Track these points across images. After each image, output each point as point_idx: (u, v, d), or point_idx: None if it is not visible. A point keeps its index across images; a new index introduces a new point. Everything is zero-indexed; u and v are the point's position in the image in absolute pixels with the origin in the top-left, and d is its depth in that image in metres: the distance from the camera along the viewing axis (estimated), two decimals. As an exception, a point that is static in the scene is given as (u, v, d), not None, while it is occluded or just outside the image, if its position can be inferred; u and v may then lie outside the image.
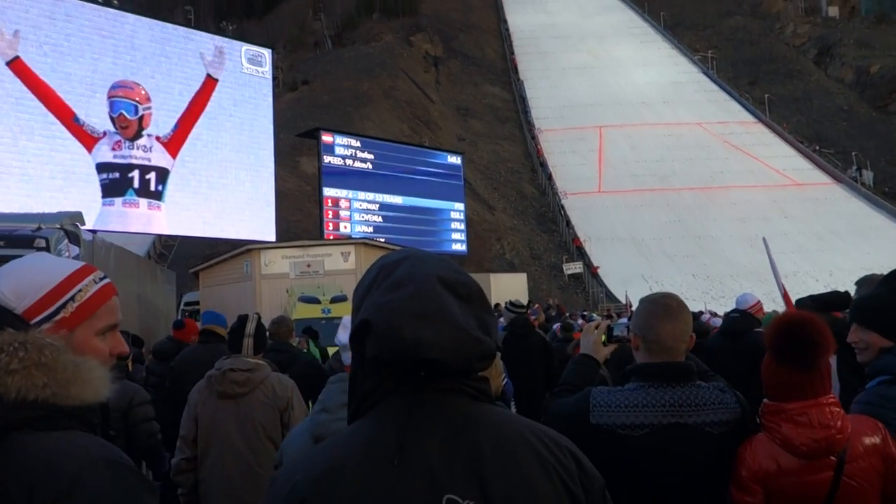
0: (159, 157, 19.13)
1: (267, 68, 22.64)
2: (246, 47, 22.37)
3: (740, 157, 44.99)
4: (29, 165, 16.81)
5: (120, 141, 18.43)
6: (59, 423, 1.16)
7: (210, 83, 20.54)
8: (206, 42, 21.35)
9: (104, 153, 18.11)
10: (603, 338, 2.64)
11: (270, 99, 22.74)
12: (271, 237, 20.85)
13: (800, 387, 2.08)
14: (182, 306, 18.64)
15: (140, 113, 18.91)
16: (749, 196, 40.72)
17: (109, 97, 18.48)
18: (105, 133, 18.22)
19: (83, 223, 11.76)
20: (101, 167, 18.02)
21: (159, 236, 27.91)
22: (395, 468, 1.04)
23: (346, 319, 2.42)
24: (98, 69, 18.39)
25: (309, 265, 16.56)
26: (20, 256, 1.41)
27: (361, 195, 23.44)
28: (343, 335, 2.68)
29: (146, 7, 72.32)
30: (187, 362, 5.50)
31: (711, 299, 26.80)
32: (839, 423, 2.04)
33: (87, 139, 17.91)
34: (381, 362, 1.08)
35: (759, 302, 6.12)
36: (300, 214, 31.38)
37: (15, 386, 1.13)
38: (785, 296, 6.05)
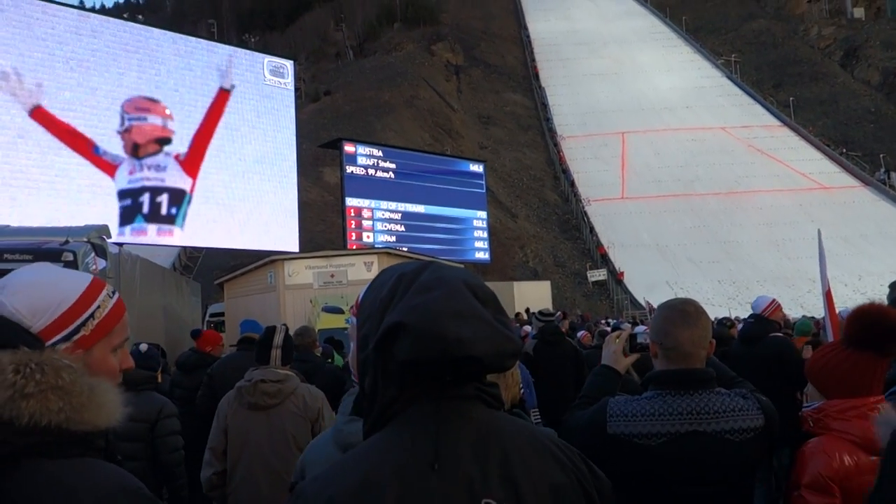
0: (175, 178, 18.93)
1: (289, 79, 22.81)
2: (268, 59, 22.56)
3: (765, 161, 44.55)
4: (57, 180, 17.04)
5: (134, 165, 18.39)
6: (71, 450, 1.12)
7: (223, 95, 20.52)
8: (229, 55, 21.56)
9: (122, 179, 18.07)
10: (625, 346, 2.58)
11: (293, 110, 22.90)
12: (295, 248, 20.94)
13: (872, 378, 2.14)
14: (207, 317, 18.76)
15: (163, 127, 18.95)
16: (775, 200, 40.28)
17: (126, 111, 18.44)
18: (125, 158, 18.25)
19: (110, 236, 11.90)
20: (120, 194, 17.98)
21: (184, 248, 28.18)
22: (434, 476, 1.05)
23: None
24: (123, 83, 18.63)
25: (332, 275, 16.60)
26: None
27: (384, 204, 23.50)
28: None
29: (170, 22, 73.51)
30: (222, 369, 5.52)
31: (738, 305, 26.47)
32: None
33: (108, 168, 17.90)
34: (413, 365, 1.07)
35: (773, 302, 5.98)
36: (323, 225, 31.53)
37: (29, 410, 1.08)
38: (828, 296, 5.78)
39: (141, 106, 18.72)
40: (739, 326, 10.64)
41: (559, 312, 12.47)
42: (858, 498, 2.03)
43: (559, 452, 1.15)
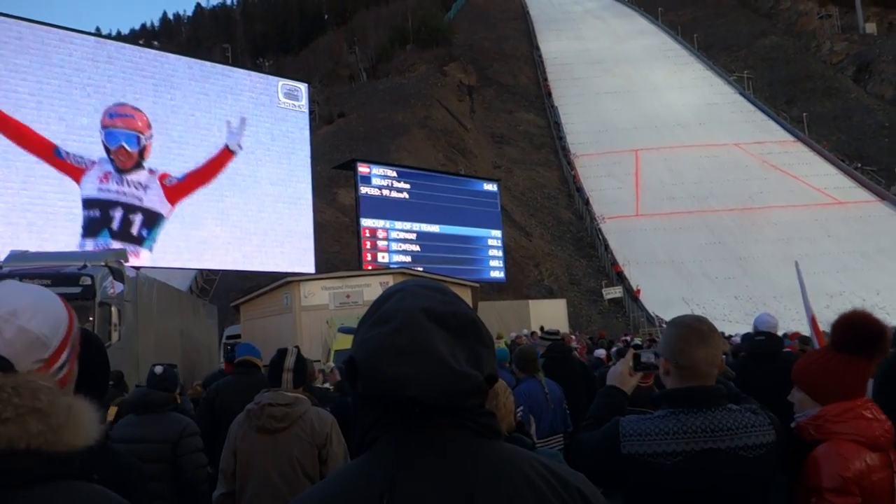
0: (154, 200, 18.41)
1: (303, 102, 23.04)
2: (282, 82, 22.81)
3: (780, 176, 44.36)
4: (74, 205, 17.21)
5: (109, 173, 17.74)
6: (52, 473, 1.07)
7: (226, 154, 20.28)
8: (244, 79, 21.81)
9: (90, 187, 17.47)
10: (630, 366, 2.58)
11: (307, 132, 23.10)
12: (310, 269, 21.02)
13: (862, 380, 2.22)
14: (224, 339, 18.85)
15: (142, 144, 18.51)
16: (790, 216, 40.06)
17: (104, 126, 17.99)
18: (94, 163, 17.61)
19: (127, 260, 12.03)
20: (86, 203, 17.35)
21: (201, 271, 28.35)
22: None
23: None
24: (139, 108, 18.85)
25: (348, 295, 16.69)
26: (68, 295, 1.38)
27: (399, 225, 23.59)
28: None
29: (186, 46, 74.39)
30: (222, 393, 5.55)
31: (755, 322, 26.26)
32: (883, 416, 2.21)
33: (74, 171, 17.29)
34: (368, 399, 1.05)
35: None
36: (338, 245, 31.65)
37: (6, 435, 1.03)
38: (813, 321, 5.93)
39: (128, 122, 18.32)
40: (736, 342, 10.53)
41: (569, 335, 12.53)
42: (872, 495, 2.08)
43: (548, 491, 1.04)
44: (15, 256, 11.44)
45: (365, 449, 1.07)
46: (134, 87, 18.92)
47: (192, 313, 16.34)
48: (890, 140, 48.13)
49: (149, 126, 18.68)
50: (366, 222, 22.73)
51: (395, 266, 21.68)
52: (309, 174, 22.59)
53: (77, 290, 9.72)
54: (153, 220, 18.35)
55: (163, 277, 15.09)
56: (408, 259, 23.19)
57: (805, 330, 6.89)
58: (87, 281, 9.99)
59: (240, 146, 20.48)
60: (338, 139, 45.85)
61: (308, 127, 23.43)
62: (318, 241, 22.93)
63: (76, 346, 1.27)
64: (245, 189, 20.46)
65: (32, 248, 12.94)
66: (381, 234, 23.10)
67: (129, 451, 2.48)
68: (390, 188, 23.73)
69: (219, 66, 22.55)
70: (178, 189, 18.91)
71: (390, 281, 17.00)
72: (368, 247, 22.64)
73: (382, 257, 22.81)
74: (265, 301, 17.69)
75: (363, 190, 22.96)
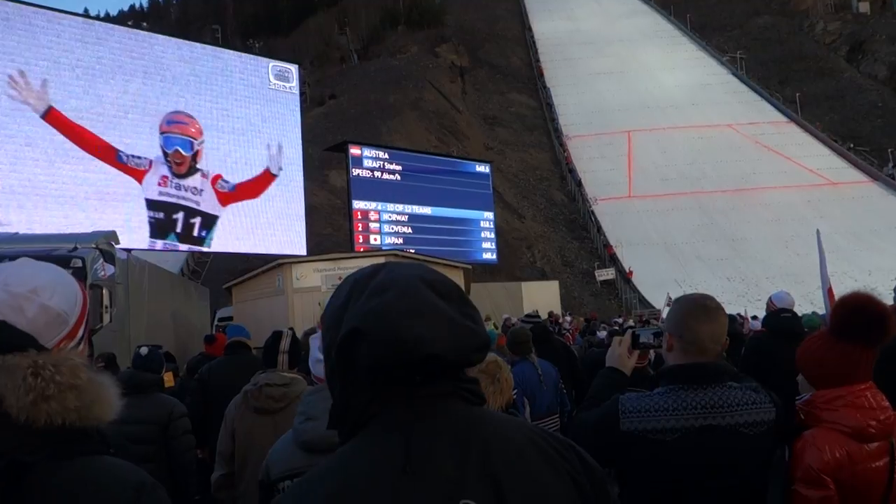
0: (209, 204, 19.35)
1: (294, 84, 22.87)
2: (273, 64, 22.62)
3: (773, 157, 44.42)
4: (65, 187, 17.11)
5: (167, 177, 18.61)
6: (84, 447, 1.12)
7: (267, 177, 21.07)
8: (234, 60, 21.61)
9: (151, 188, 18.27)
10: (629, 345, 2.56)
11: (298, 114, 22.95)
12: (302, 251, 20.97)
13: (859, 367, 2.12)
14: (216, 322, 18.81)
15: (195, 149, 19.31)
16: (783, 197, 40.17)
17: (163, 132, 18.77)
18: (151, 163, 18.41)
19: (118, 242, 11.93)
20: (149, 205, 18.22)
21: (192, 253, 28.24)
22: (407, 478, 1.01)
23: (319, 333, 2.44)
24: (129, 90, 18.69)
25: (340, 277, 16.52)
26: None
27: (391, 207, 23.52)
28: (317, 350, 2.68)
29: (175, 27, 73.68)
30: (215, 375, 5.53)
31: (748, 302, 26.35)
32: (885, 404, 2.12)
33: (135, 173, 18.13)
34: (376, 370, 1.04)
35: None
36: (331, 228, 31.58)
37: (45, 412, 1.08)
38: (830, 293, 5.84)
39: (183, 129, 19.17)
40: (752, 323, 10.59)
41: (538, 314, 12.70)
42: (854, 488, 2.04)
43: (547, 446, 1.10)
44: (4, 238, 11.35)
45: (361, 427, 1.06)
46: (123, 68, 18.74)
47: (184, 295, 16.28)
48: (883, 120, 48.22)
49: (201, 132, 19.50)
50: (357, 204, 22.65)
51: (388, 248, 21.63)
52: (300, 156, 22.46)
53: (68, 272, 9.64)
54: (211, 222, 19.47)
55: (154, 260, 15.01)
56: (400, 241, 23.15)
57: (801, 309, 6.87)
58: (78, 263, 9.89)
59: (280, 168, 21.33)
60: (329, 121, 45.62)
61: (299, 109, 23.27)
62: (309, 224, 22.85)
63: (90, 323, 1.30)
64: (236, 171, 20.34)
65: (23, 230, 12.86)
66: (372, 216, 23.03)
67: (119, 432, 2.45)
68: (382, 170, 23.64)
69: (209, 48, 22.34)
70: (230, 197, 19.91)
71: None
72: (360, 229, 22.58)
73: (374, 239, 22.76)
74: (257, 283, 17.63)
75: (355, 172, 22.86)
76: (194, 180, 19.07)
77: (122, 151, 17.89)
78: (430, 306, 1.05)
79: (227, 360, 5.69)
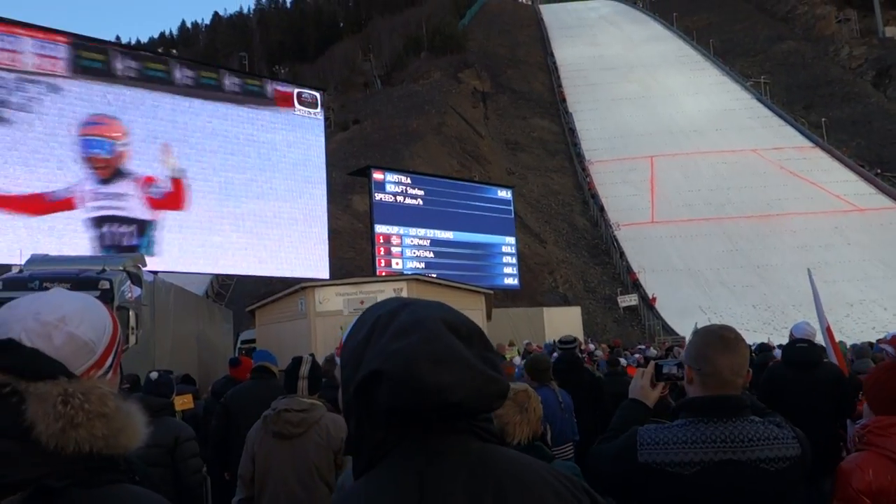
0: (138, 210, 18.07)
1: (319, 109, 23.13)
2: (298, 90, 22.90)
3: (798, 183, 44.01)
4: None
5: (93, 189, 17.46)
6: (111, 475, 1.13)
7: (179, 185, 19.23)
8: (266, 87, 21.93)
9: (84, 208, 17.24)
10: (652, 376, 2.52)
11: (323, 139, 23.18)
12: (325, 275, 21.07)
13: None
14: (239, 344, 18.91)
15: (116, 151, 18.06)
16: (809, 223, 39.73)
17: (81, 135, 17.57)
18: (77, 184, 17.20)
19: (145, 265, 12.10)
20: (86, 225, 17.21)
21: (217, 276, 28.48)
22: None
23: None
24: (157, 115, 19.03)
25: (362, 302, 16.64)
26: None
27: (413, 231, 23.60)
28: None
29: (203, 55, 74.91)
30: (239, 399, 5.56)
31: (774, 330, 26.05)
32: None
33: (66, 204, 16.98)
34: (395, 412, 1.04)
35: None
36: (353, 252, 31.71)
37: (74, 439, 1.08)
38: (829, 331, 5.90)
39: (102, 129, 17.93)
40: (776, 352, 10.47)
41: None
42: None
43: (560, 486, 1.08)
44: (35, 260, 11.56)
45: (374, 464, 1.08)
46: (153, 95, 19.10)
47: (208, 318, 16.42)
48: (910, 146, 47.69)
49: (126, 134, 18.25)
50: (380, 228, 22.77)
51: (409, 272, 21.67)
52: (324, 181, 22.68)
53: (96, 293, 9.77)
54: (143, 228, 18.18)
55: (179, 282, 15.17)
56: (421, 265, 23.19)
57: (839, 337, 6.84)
58: (106, 285, 10.06)
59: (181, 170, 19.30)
60: (353, 146, 46.01)
61: (323, 134, 23.52)
62: (332, 247, 22.98)
63: (120, 352, 1.31)
64: (261, 195, 20.57)
65: (53, 252, 13.07)
66: (395, 240, 23.12)
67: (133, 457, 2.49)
68: (404, 194, 23.76)
69: (237, 75, 22.72)
70: (159, 203, 18.54)
71: (404, 287, 16.98)
72: (382, 253, 22.67)
73: (396, 263, 22.82)
74: (280, 306, 17.71)
75: (377, 196, 23.00)
76: (119, 186, 17.87)
77: (45, 195, 16.73)
78: (454, 353, 1.04)
79: (251, 385, 5.71)
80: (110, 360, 1.26)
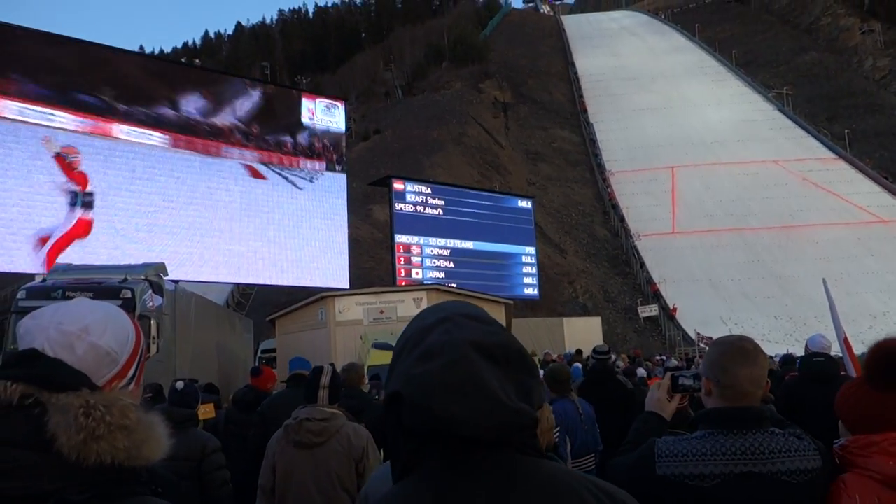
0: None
1: (340, 119, 23.27)
2: (320, 99, 23.07)
3: (821, 194, 43.58)
4: (115, 219, 17.57)
5: None
6: (132, 488, 1.13)
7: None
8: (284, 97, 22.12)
9: None
10: (668, 389, 2.50)
11: (343, 149, 23.30)
12: (345, 284, 21.13)
13: (895, 414, 2.01)
14: (259, 354, 19.00)
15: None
16: (831, 234, 39.31)
17: None
18: None
19: (166, 274, 12.19)
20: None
21: (237, 285, 28.67)
22: None
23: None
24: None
25: (382, 311, 16.70)
26: None
27: (433, 241, 23.63)
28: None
29: (226, 64, 75.59)
30: (274, 407, 5.54)
31: (795, 342, 25.78)
32: None
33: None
34: (414, 433, 1.04)
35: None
36: (373, 261, 31.80)
37: (95, 451, 1.08)
38: (846, 343, 5.83)
39: None
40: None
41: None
42: None
43: (592, 499, 1.04)
44: (58, 269, 11.69)
45: (407, 472, 1.07)
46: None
47: (229, 327, 16.50)
48: (935, 157, 47.07)
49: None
50: (400, 238, 22.82)
51: (429, 282, 21.70)
52: (345, 190, 22.78)
53: (118, 302, 9.87)
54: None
55: (200, 291, 15.28)
56: (441, 275, 23.21)
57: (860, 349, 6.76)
58: (128, 294, 10.15)
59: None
60: (373, 155, 46.19)
61: (344, 143, 23.66)
62: (352, 257, 23.06)
63: (143, 362, 1.32)
64: (282, 204, 20.70)
65: (76, 261, 13.21)
66: (415, 250, 23.17)
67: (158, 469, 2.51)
68: (425, 204, 23.81)
69: (260, 84, 22.94)
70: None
71: (423, 297, 17.01)
72: (402, 263, 22.72)
73: (416, 273, 22.86)
74: (300, 316, 17.78)
75: (398, 206, 23.08)
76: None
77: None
78: (475, 383, 1.01)
79: (286, 394, 5.73)
80: (133, 370, 1.27)
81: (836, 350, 5.80)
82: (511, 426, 1.02)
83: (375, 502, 1.12)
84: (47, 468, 1.06)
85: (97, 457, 1.08)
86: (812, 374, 5.39)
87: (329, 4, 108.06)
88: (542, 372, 7.76)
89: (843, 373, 5.55)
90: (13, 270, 16.44)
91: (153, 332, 10.45)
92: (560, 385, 5.56)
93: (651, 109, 56.38)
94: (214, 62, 77.70)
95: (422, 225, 23.53)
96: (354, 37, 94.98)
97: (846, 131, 49.88)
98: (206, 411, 6.39)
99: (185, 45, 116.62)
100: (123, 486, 1.11)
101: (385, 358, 13.03)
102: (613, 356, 19.48)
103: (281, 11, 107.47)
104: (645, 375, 9.49)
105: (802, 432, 2.15)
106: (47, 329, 1.19)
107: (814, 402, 4.97)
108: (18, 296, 10.51)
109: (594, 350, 7.49)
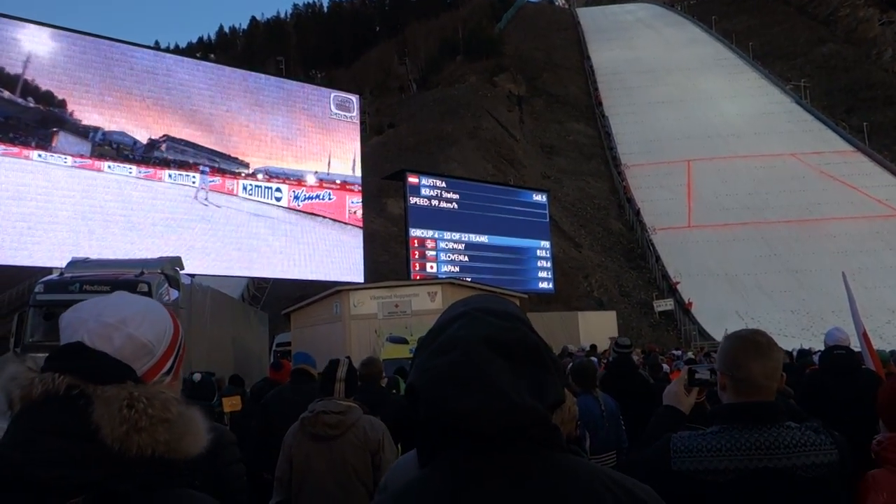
0: None
1: (354, 113, 23.32)
2: (334, 94, 23.13)
3: (838, 187, 43.17)
4: (132, 213, 17.69)
5: None
6: (172, 480, 1.15)
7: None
8: (297, 90, 22.15)
9: None
10: (685, 382, 2.49)
11: (358, 142, 23.34)
12: (360, 278, 21.20)
13: None
14: (274, 347, 19.09)
15: None
16: (849, 228, 38.95)
17: None
18: None
19: (182, 268, 12.27)
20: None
21: (252, 279, 28.79)
22: None
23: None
24: (195, 119, 19.32)
25: (397, 305, 16.75)
26: None
27: (447, 235, 23.63)
28: None
29: (241, 59, 75.84)
30: (278, 401, 5.58)
31: (812, 336, 25.56)
32: None
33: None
34: (429, 424, 1.06)
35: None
36: (387, 255, 31.83)
37: (137, 443, 1.10)
38: (865, 337, 5.78)
39: None
40: (814, 358, 10.30)
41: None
42: None
43: (609, 497, 1.03)
44: (76, 263, 11.78)
45: (429, 460, 1.08)
46: (192, 99, 19.40)
47: (244, 321, 16.60)
48: (955, 150, 46.52)
49: None
50: (415, 232, 22.83)
51: (444, 276, 21.70)
52: (359, 184, 22.83)
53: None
54: None
55: (215, 285, 15.37)
56: (456, 269, 23.20)
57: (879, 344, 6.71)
58: (144, 288, 10.22)
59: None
60: (388, 149, 46.20)
61: (359, 137, 23.69)
62: (367, 251, 23.10)
63: (182, 355, 1.34)
64: (297, 197, 20.77)
65: (93, 255, 13.32)
66: (429, 244, 23.17)
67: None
68: (439, 198, 23.80)
69: (273, 79, 22.98)
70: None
71: (438, 291, 17.03)
72: (417, 257, 22.73)
73: (431, 267, 22.86)
74: (315, 310, 17.86)
75: (412, 200, 23.08)
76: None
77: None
78: (481, 379, 1.01)
79: (289, 388, 5.75)
80: (171, 362, 1.29)
81: (854, 343, 5.75)
82: (522, 422, 1.02)
83: (395, 491, 1.11)
84: (93, 458, 1.08)
85: (138, 448, 1.10)
86: (833, 367, 5.37)
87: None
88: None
89: (863, 366, 5.52)
90: (31, 265, 16.62)
91: (169, 325, 10.51)
92: (586, 381, 5.52)
93: (667, 102, 56.00)
94: (229, 57, 77.91)
95: (436, 219, 23.52)
96: (369, 31, 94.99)
97: (865, 124, 49.34)
98: (232, 404, 6.37)
99: (200, 39, 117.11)
100: (163, 479, 1.14)
101: (399, 352, 13.08)
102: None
103: (295, 6, 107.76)
104: (668, 370, 9.41)
105: (820, 426, 2.14)
106: (87, 321, 1.22)
107: (837, 395, 4.95)
108: (36, 289, 10.62)
109: (616, 343, 7.45)
